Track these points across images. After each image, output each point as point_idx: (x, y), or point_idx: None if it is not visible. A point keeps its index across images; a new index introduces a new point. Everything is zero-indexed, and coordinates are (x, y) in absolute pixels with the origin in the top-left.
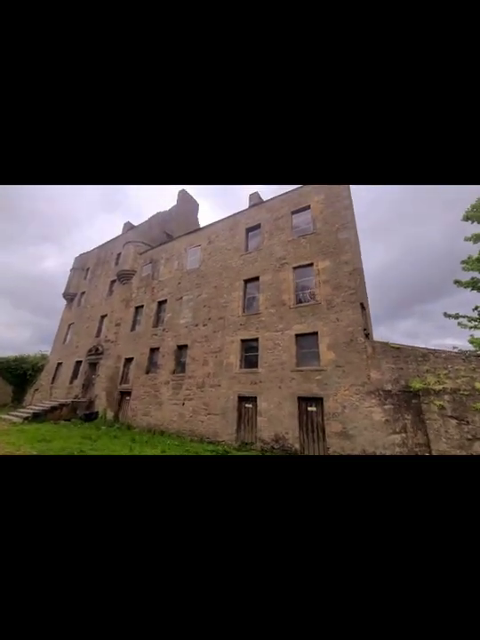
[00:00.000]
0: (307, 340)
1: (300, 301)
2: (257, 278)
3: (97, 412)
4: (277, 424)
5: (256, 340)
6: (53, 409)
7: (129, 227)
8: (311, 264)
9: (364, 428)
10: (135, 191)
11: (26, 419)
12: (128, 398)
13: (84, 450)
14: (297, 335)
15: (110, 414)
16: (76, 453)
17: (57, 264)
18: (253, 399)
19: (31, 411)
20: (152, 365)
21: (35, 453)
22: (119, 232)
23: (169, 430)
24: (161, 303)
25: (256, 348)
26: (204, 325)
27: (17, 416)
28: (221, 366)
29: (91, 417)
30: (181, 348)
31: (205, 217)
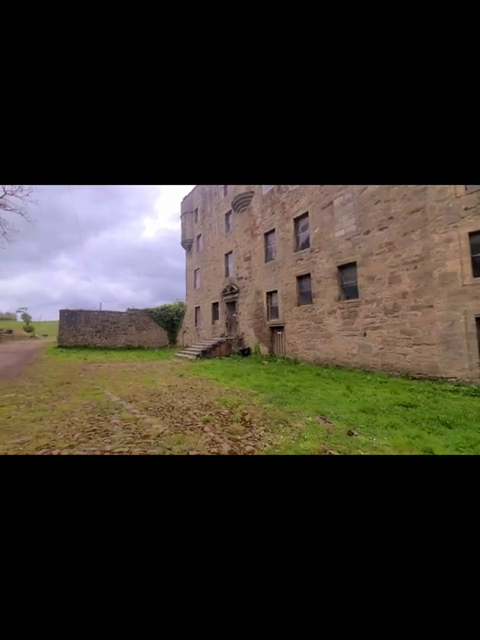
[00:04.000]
0: None
1: None
2: None
3: (249, 348)
4: None
5: None
6: (214, 347)
7: None
8: None
9: None
10: None
11: (197, 356)
12: (280, 333)
13: (299, 388)
14: None
15: (264, 349)
16: (287, 392)
17: (154, 232)
18: None
19: (199, 349)
20: (303, 296)
21: (239, 389)
22: None
23: (349, 364)
24: (298, 220)
25: None
26: (380, 230)
27: (190, 354)
28: (430, 279)
29: (245, 352)
30: (344, 267)
31: None
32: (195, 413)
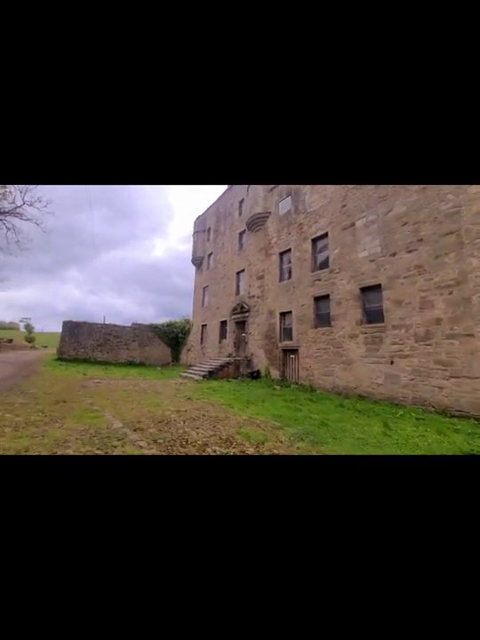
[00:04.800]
0: None
1: None
2: None
3: (259, 371)
4: None
5: None
6: (222, 367)
7: None
8: None
9: None
10: None
11: (203, 376)
12: (293, 356)
13: (327, 422)
14: None
15: (275, 373)
16: (315, 426)
17: (163, 250)
18: None
19: (206, 369)
20: (320, 318)
21: (258, 419)
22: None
23: (373, 395)
24: (316, 240)
25: None
26: (408, 252)
27: (195, 374)
28: (468, 305)
29: (254, 375)
30: (367, 290)
31: None
32: (215, 451)
